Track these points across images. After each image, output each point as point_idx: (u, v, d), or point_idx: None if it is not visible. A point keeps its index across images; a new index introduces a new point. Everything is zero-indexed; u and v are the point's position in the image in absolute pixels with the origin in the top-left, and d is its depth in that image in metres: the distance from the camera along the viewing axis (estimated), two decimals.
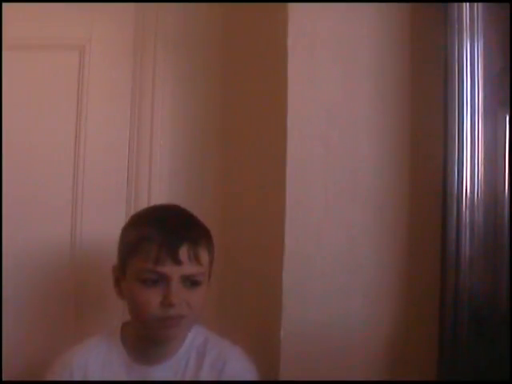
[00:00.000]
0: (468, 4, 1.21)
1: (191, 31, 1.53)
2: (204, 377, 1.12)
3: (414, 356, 1.24)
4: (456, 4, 1.21)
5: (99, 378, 1.13)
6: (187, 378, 1.12)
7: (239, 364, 1.14)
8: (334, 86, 1.29)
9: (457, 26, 1.21)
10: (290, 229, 1.27)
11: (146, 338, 1.13)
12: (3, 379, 1.35)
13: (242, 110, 1.47)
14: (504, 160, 1.19)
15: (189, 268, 1.09)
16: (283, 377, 1.24)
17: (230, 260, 1.41)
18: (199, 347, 1.15)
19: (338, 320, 1.26)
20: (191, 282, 1.10)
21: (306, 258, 1.26)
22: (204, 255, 1.12)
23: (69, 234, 1.50)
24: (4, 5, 1.49)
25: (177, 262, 1.08)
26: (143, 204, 1.48)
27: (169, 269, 1.08)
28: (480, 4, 1.21)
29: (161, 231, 1.10)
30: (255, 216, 1.38)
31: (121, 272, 1.14)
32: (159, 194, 1.49)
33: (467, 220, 1.18)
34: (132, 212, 1.46)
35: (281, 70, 1.29)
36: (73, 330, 1.45)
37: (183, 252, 1.09)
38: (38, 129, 1.52)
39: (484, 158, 1.20)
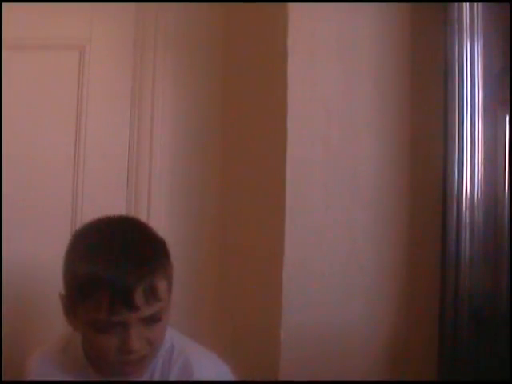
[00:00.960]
0: (468, 4, 1.21)
1: (191, 31, 1.53)
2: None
3: (414, 356, 1.24)
4: (456, 4, 1.21)
5: None
6: None
7: (207, 374, 1.01)
8: (334, 86, 1.29)
9: (457, 26, 1.21)
10: (290, 229, 1.27)
11: None
12: (3, 379, 1.36)
13: (242, 110, 1.47)
14: (504, 160, 1.20)
15: (147, 310, 0.96)
16: (283, 377, 1.24)
17: (230, 260, 1.41)
18: (166, 357, 1.04)
19: (338, 320, 1.26)
20: (151, 320, 0.97)
21: (305, 258, 1.26)
22: (162, 287, 0.98)
23: (69, 233, 1.50)
24: (4, 5, 1.49)
25: (133, 308, 0.94)
26: (143, 204, 1.49)
27: (125, 317, 0.94)
28: (480, 4, 1.21)
29: (110, 272, 0.94)
30: (255, 216, 1.38)
31: (71, 307, 1.00)
32: (159, 194, 1.49)
33: (467, 220, 1.18)
34: (132, 213, 1.47)
35: (281, 70, 1.29)
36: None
37: (138, 295, 0.94)
38: (38, 129, 1.52)
39: (484, 158, 1.20)
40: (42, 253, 1.49)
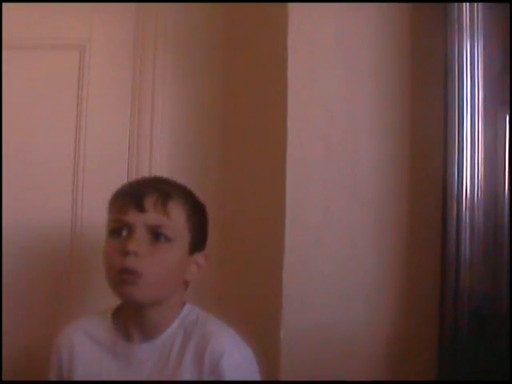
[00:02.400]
0: (468, 4, 1.21)
1: (191, 31, 1.53)
2: (188, 361, 1.03)
3: (414, 356, 1.24)
4: (456, 4, 1.21)
5: (85, 355, 1.09)
6: (171, 361, 1.04)
7: (223, 345, 1.04)
8: (334, 86, 1.29)
9: (457, 26, 1.21)
10: (290, 229, 1.27)
11: (129, 315, 1.08)
12: (3, 378, 1.36)
13: (242, 110, 1.47)
14: (504, 160, 1.20)
15: (154, 217, 1.03)
16: (283, 377, 1.24)
17: (230, 260, 1.41)
18: (188, 327, 1.07)
19: (338, 320, 1.26)
20: (158, 234, 1.03)
21: (306, 258, 1.26)
22: (177, 211, 1.05)
23: (69, 233, 1.50)
24: (4, 5, 1.49)
25: (140, 208, 1.02)
26: None
27: (132, 216, 1.03)
28: (480, 4, 1.21)
29: (132, 185, 1.10)
30: (255, 216, 1.38)
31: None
32: None
33: (467, 220, 1.18)
34: None
35: (281, 70, 1.29)
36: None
37: (148, 200, 1.03)
38: (38, 129, 1.52)
39: (484, 158, 1.20)
40: (43, 252, 1.49)
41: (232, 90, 1.49)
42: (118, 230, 1.04)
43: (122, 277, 1.01)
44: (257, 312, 1.35)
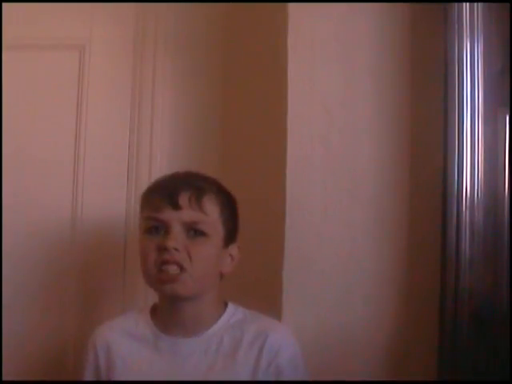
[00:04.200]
0: (468, 4, 1.21)
1: (191, 31, 1.53)
2: (243, 355, 1.07)
3: (414, 356, 1.24)
4: (456, 4, 1.21)
5: (123, 350, 1.11)
6: (221, 356, 1.07)
7: (281, 337, 1.09)
8: (334, 86, 1.29)
9: (457, 26, 1.21)
10: (290, 229, 1.27)
11: (169, 311, 1.10)
12: (3, 378, 1.36)
13: (242, 110, 1.47)
14: (504, 160, 1.19)
15: (189, 214, 1.06)
16: None
17: None
18: (236, 325, 1.10)
19: (338, 320, 1.26)
20: (195, 231, 1.06)
21: (305, 258, 1.26)
22: (211, 205, 1.08)
23: (68, 233, 1.50)
24: (4, 5, 1.49)
25: (175, 206, 1.05)
26: None
27: (167, 214, 1.05)
28: (480, 4, 1.21)
29: (165, 182, 1.11)
30: (255, 216, 1.38)
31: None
32: None
33: (467, 220, 1.18)
34: (132, 212, 1.47)
35: (281, 69, 1.29)
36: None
37: (183, 197, 1.06)
38: (38, 129, 1.52)
39: (484, 158, 1.20)
40: (42, 252, 1.49)
41: (232, 89, 1.49)
42: (153, 227, 1.07)
43: (162, 273, 1.04)
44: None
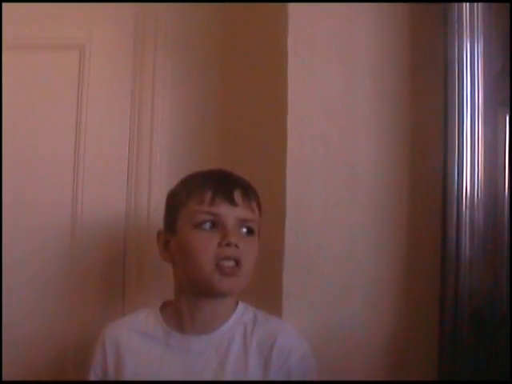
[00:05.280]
0: (468, 4, 1.21)
1: (191, 31, 1.53)
2: (252, 355, 1.07)
3: (414, 356, 1.24)
4: (456, 4, 1.21)
5: (132, 347, 1.11)
6: (232, 355, 1.08)
7: (290, 340, 1.10)
8: (334, 86, 1.29)
9: (457, 26, 1.21)
10: (290, 229, 1.27)
11: (184, 309, 1.10)
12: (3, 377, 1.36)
13: (242, 110, 1.47)
14: (504, 160, 1.19)
15: (243, 211, 1.08)
16: None
17: None
18: (247, 324, 1.11)
19: (338, 320, 1.26)
20: (246, 228, 1.09)
21: (306, 258, 1.26)
22: (256, 204, 1.12)
23: (68, 233, 1.50)
24: (4, 5, 1.49)
25: (232, 203, 1.07)
26: (143, 204, 1.48)
27: (224, 210, 1.07)
28: (480, 4, 1.21)
29: (213, 177, 1.12)
30: None
31: (169, 232, 1.13)
32: (159, 195, 1.49)
33: (467, 220, 1.18)
34: (132, 212, 1.47)
35: (281, 69, 1.29)
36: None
37: (237, 194, 1.08)
38: (38, 129, 1.52)
39: (484, 158, 1.20)
40: (42, 252, 1.49)
41: (232, 89, 1.49)
42: (206, 222, 1.07)
43: (222, 267, 1.05)
44: None
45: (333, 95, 1.29)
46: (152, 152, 1.51)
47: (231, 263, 1.06)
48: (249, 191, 1.12)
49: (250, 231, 1.10)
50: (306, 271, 1.26)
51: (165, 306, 1.16)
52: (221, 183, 1.10)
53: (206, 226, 1.07)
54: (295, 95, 1.28)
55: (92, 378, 1.13)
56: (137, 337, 1.12)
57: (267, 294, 1.30)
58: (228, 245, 1.05)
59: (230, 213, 1.07)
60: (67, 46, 1.54)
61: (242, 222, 1.09)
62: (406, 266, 1.26)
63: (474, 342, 1.16)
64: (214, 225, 1.07)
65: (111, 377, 1.11)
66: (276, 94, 1.31)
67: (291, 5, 1.29)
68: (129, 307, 1.39)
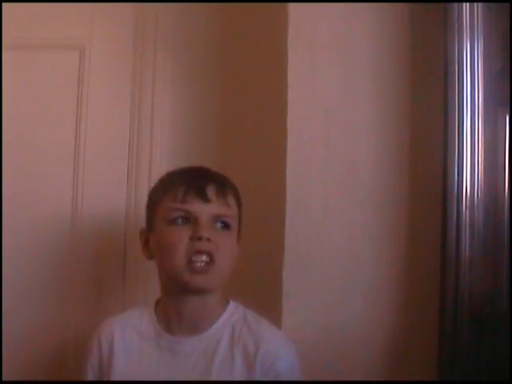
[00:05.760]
0: (468, 4, 1.21)
1: (191, 31, 1.53)
2: (238, 356, 1.06)
3: (415, 356, 1.24)
4: (456, 4, 1.21)
5: (127, 346, 1.11)
6: (219, 356, 1.06)
7: (275, 349, 1.07)
8: (334, 86, 1.29)
9: (457, 26, 1.21)
10: (290, 229, 1.27)
11: (171, 308, 1.10)
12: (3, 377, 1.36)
13: (242, 110, 1.47)
14: (504, 160, 1.19)
15: (217, 207, 1.08)
16: None
17: None
18: (235, 324, 1.10)
19: (338, 320, 1.26)
20: (221, 223, 1.08)
21: (305, 258, 1.26)
22: (232, 199, 1.11)
23: (68, 234, 1.50)
24: (4, 5, 1.49)
25: (205, 199, 1.07)
26: (143, 204, 1.48)
27: (197, 206, 1.06)
28: (480, 4, 1.21)
29: (188, 174, 1.12)
30: (255, 216, 1.38)
31: (148, 229, 1.13)
32: None
33: (467, 220, 1.18)
34: (132, 212, 1.47)
35: (281, 69, 1.29)
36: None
37: (211, 190, 1.08)
38: (38, 129, 1.52)
39: (484, 158, 1.20)
40: (42, 251, 1.49)
41: (232, 89, 1.49)
42: (179, 218, 1.07)
43: (194, 264, 1.04)
44: (256, 312, 1.35)
45: (333, 95, 1.29)
46: (152, 152, 1.51)
47: (203, 258, 1.05)
48: (225, 187, 1.11)
49: (226, 226, 1.09)
50: (305, 271, 1.26)
51: (158, 304, 1.15)
52: (194, 180, 1.09)
53: (179, 222, 1.07)
54: (295, 95, 1.28)
55: (89, 372, 1.13)
56: (131, 334, 1.12)
57: (267, 293, 1.30)
58: (199, 239, 1.04)
59: (203, 209, 1.07)
60: (67, 46, 1.54)
61: (216, 217, 1.08)
62: (406, 266, 1.26)
63: (474, 342, 1.16)
64: (186, 220, 1.07)
65: (106, 371, 1.11)
66: (276, 93, 1.31)
67: (291, 5, 1.29)
68: (128, 306, 1.39)
